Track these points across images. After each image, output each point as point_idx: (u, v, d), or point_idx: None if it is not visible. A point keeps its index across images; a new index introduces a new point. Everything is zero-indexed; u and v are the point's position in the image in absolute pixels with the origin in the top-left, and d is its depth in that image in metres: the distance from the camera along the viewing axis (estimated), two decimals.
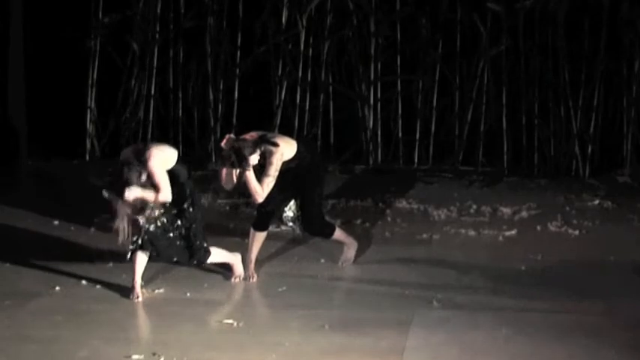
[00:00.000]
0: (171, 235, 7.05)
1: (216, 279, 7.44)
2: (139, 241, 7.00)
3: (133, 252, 7.02)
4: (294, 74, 11.34)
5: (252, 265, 7.54)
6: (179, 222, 7.05)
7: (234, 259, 7.43)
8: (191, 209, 7.06)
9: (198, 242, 7.11)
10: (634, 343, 6.12)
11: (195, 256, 7.15)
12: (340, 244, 7.81)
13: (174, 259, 7.19)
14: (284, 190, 7.45)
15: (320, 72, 11.36)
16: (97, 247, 8.14)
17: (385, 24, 11.25)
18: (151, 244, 7.02)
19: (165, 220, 7.01)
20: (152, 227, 6.99)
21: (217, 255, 7.29)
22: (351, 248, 7.82)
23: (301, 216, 7.59)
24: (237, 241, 7.99)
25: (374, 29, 11.26)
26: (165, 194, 6.83)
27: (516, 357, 5.98)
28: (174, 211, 7.01)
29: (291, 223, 7.64)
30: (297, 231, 7.87)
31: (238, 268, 7.44)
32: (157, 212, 6.91)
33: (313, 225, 7.64)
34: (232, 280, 7.41)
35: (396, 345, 6.11)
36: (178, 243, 7.07)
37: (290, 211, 7.58)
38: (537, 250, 8.12)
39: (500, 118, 11.13)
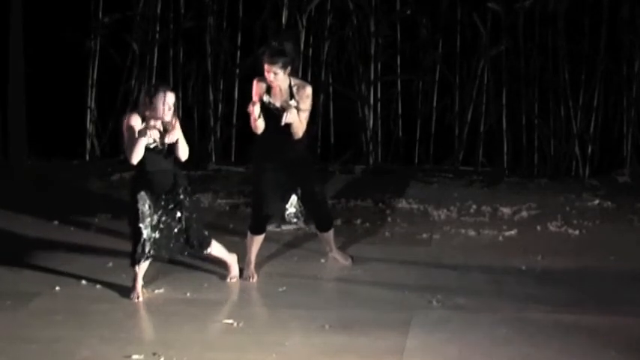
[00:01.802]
0: (176, 230, 7.05)
1: (216, 279, 7.44)
2: (150, 252, 7.00)
3: (140, 262, 7.02)
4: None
5: (252, 266, 7.53)
6: (178, 214, 7.04)
7: (231, 258, 7.43)
8: (187, 198, 7.07)
9: (201, 230, 7.15)
10: (634, 343, 6.13)
11: (203, 245, 7.18)
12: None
13: (185, 253, 7.25)
14: (280, 192, 7.44)
15: (320, 72, 11.34)
16: (97, 247, 8.14)
17: (385, 24, 11.24)
18: (161, 248, 7.03)
19: (164, 219, 7.01)
20: (157, 234, 7.00)
21: (217, 247, 7.31)
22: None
23: (309, 213, 7.56)
24: (236, 241, 7.98)
25: (374, 29, 11.24)
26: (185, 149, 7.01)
27: (516, 357, 5.99)
28: (171, 206, 7.02)
29: (295, 219, 7.61)
30: (302, 225, 7.84)
31: (234, 269, 7.44)
32: (157, 133, 7.00)
33: (324, 221, 7.64)
34: (228, 280, 7.42)
35: (396, 345, 6.12)
36: (184, 236, 7.08)
37: (292, 207, 7.54)
38: (537, 250, 8.11)
39: (500, 118, 11.12)
